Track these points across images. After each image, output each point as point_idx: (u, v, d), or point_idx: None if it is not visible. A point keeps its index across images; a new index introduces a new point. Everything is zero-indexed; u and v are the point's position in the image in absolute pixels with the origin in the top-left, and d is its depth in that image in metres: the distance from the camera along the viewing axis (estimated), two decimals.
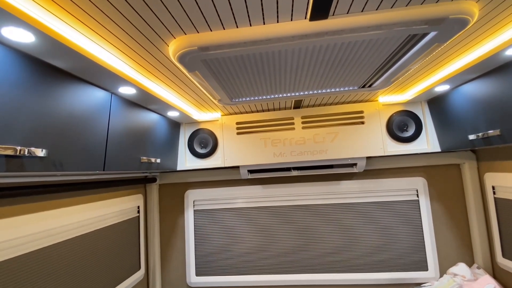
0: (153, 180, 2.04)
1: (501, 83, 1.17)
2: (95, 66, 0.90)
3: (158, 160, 1.57)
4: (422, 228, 1.90)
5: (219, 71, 1.05)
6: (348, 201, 1.99)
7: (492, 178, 1.70)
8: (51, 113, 0.88)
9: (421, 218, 1.91)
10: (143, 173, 1.98)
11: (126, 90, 1.14)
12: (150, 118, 1.50)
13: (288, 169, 1.91)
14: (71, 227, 1.33)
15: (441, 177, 1.94)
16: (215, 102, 1.46)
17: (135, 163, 1.37)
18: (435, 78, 1.36)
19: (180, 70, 1.08)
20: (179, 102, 1.50)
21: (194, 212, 2.10)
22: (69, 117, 0.95)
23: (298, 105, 1.77)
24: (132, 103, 1.32)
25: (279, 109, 1.84)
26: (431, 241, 1.88)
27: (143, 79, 1.13)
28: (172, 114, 1.63)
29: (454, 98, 1.49)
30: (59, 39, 0.73)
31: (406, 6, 0.74)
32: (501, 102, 1.20)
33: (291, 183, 2.06)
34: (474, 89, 1.34)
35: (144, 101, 1.33)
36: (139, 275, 1.90)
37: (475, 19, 0.79)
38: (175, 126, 1.84)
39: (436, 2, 0.74)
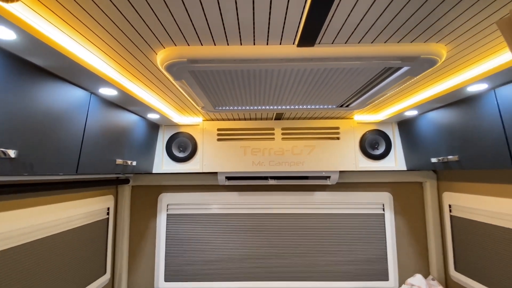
0: (126, 181, 1.98)
1: (462, 114, 1.30)
2: (76, 66, 0.87)
3: (134, 163, 1.53)
4: (385, 240, 2.02)
5: (206, 82, 1.06)
6: (320, 211, 2.07)
7: (449, 197, 1.86)
8: (24, 112, 0.84)
9: (385, 231, 2.03)
10: (116, 174, 1.92)
11: (107, 91, 1.11)
12: (128, 119, 1.46)
13: (266, 178, 1.95)
14: (34, 229, 1.25)
15: (405, 193, 2.09)
16: (198, 108, 1.46)
17: (110, 165, 1.33)
18: (405, 104, 1.47)
19: (165, 77, 1.08)
20: (160, 105, 1.48)
21: (167, 216, 2.06)
22: (43, 116, 0.91)
23: (279, 116, 1.82)
24: (111, 104, 1.29)
25: (261, 119, 1.88)
26: (393, 253, 2.01)
27: (125, 81, 1.11)
28: (152, 116, 1.60)
29: (421, 123, 1.62)
30: (41, 38, 0.70)
31: (385, 43, 0.81)
32: (461, 131, 1.33)
33: (267, 191, 2.10)
34: (438, 117, 1.47)
35: (124, 102, 1.30)
36: (104, 279, 1.82)
37: (443, 59, 0.88)
38: (153, 127, 1.80)
39: (411, 42, 0.82)
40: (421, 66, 0.89)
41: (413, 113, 1.58)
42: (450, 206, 1.86)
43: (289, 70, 0.94)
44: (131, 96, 1.20)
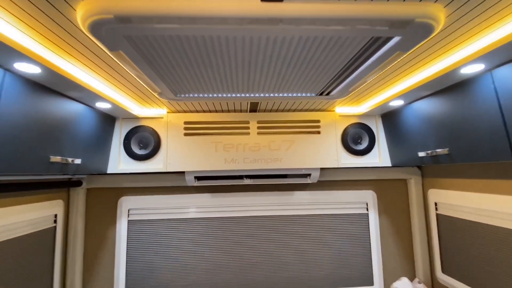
0: (78, 183, 1.71)
1: (453, 102, 1.17)
2: None
3: (78, 161, 1.28)
4: (370, 242, 1.89)
5: (154, 56, 0.85)
6: (300, 213, 1.89)
7: (435, 195, 1.74)
8: None
9: (369, 232, 1.90)
10: (64, 175, 1.64)
11: (25, 68, 0.87)
12: (70, 108, 1.22)
13: (240, 177, 1.75)
14: None
15: (389, 191, 1.96)
16: (155, 95, 1.24)
17: (41, 164, 1.08)
18: (390, 92, 1.33)
19: (104, 51, 0.86)
20: (111, 93, 1.25)
21: (128, 222, 1.81)
22: None
23: (254, 108, 1.63)
24: (42, 87, 1.04)
25: (234, 111, 1.68)
26: (377, 256, 1.87)
27: (52, 55, 0.87)
28: (102, 105, 1.36)
29: (407, 114, 1.49)
30: None
31: (372, 0, 0.64)
32: (451, 121, 1.20)
33: (242, 192, 1.90)
34: (426, 106, 1.34)
35: (57, 85, 1.05)
36: None
37: (440, 27, 0.73)
38: (108, 120, 1.55)
39: (404, 1, 0.65)
40: (415, 35, 0.73)
41: (398, 103, 1.44)
42: (436, 204, 1.75)
43: (256, 39, 0.76)
44: (63, 77, 0.96)
